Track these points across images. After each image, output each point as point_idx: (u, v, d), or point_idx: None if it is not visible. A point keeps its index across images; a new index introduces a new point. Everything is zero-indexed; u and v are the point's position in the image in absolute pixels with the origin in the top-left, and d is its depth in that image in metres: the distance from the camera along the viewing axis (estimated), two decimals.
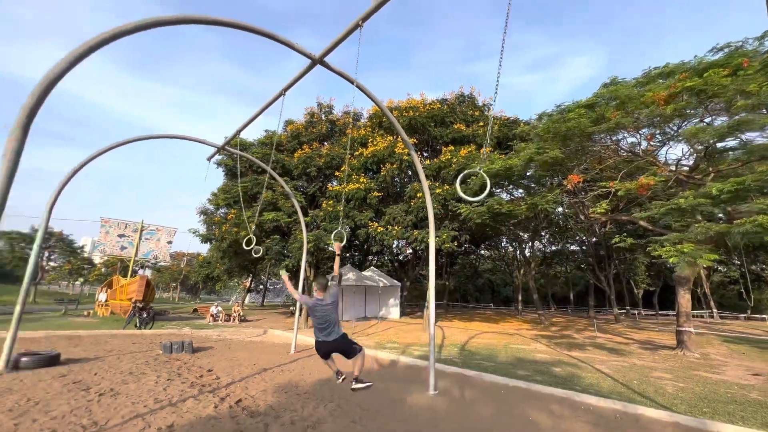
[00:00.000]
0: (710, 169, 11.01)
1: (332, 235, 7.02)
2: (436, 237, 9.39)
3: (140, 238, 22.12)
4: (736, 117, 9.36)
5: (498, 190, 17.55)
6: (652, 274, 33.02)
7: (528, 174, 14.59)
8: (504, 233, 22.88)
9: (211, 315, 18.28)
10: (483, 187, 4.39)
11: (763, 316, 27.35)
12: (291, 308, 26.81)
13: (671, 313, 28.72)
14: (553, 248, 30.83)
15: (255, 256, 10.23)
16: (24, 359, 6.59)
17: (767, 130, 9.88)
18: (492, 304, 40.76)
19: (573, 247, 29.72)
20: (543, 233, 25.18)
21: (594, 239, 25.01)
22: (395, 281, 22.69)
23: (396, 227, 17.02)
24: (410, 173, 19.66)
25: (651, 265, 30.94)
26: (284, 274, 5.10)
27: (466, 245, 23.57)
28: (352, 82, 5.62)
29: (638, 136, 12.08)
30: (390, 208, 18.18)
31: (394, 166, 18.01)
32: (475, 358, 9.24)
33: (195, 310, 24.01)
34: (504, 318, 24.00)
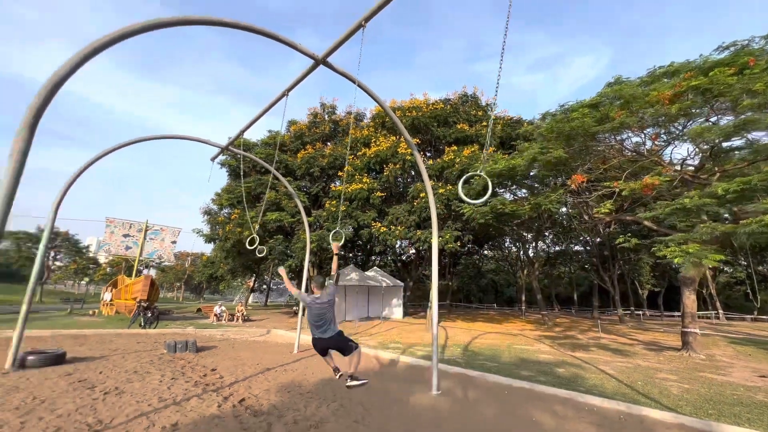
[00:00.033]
0: (716, 168, 10.90)
1: (330, 235, 7.11)
2: (439, 237, 9.37)
3: (145, 238, 22.24)
4: (742, 116, 9.26)
5: (501, 190, 17.49)
6: (657, 274, 32.80)
7: (531, 174, 14.53)
8: (507, 233, 22.79)
9: (215, 315, 18.35)
10: (485, 189, 4.38)
11: None
12: (294, 308, 26.86)
13: (676, 314, 28.50)
14: (557, 248, 30.69)
15: (258, 256, 10.28)
16: (30, 358, 6.65)
17: None
18: (495, 305, 40.65)
19: (577, 248, 29.58)
20: (547, 233, 25.07)
21: (598, 239, 24.87)
22: (398, 281, 22.68)
23: (399, 227, 17.02)
24: (413, 173, 19.65)
25: (656, 265, 30.73)
26: (282, 271, 5.21)
27: (470, 245, 23.54)
28: (354, 82, 5.63)
29: (643, 136, 11.99)
30: (393, 208, 18.18)
31: (397, 166, 18.02)
32: (478, 358, 9.22)
33: (199, 310, 24.12)
34: (507, 318, 23.93)
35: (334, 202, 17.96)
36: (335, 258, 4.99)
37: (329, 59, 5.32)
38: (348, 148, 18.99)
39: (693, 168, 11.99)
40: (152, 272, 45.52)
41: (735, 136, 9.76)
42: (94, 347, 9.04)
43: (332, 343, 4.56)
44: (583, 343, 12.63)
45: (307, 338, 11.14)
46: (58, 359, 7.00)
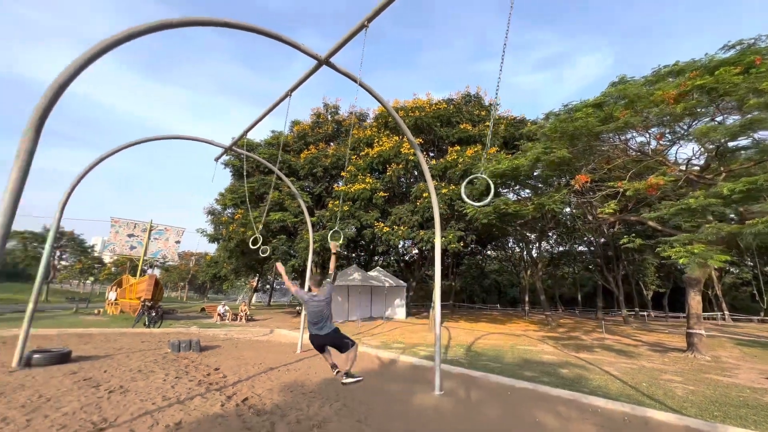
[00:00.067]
0: (722, 168, 10.81)
1: (329, 235, 7.18)
2: (442, 237, 9.36)
3: (149, 238, 22.40)
4: (749, 115, 9.19)
5: (505, 190, 17.44)
6: (662, 275, 32.56)
7: (535, 174, 14.47)
8: (511, 234, 22.72)
9: (219, 314, 18.43)
10: (488, 190, 4.38)
11: None
12: (297, 308, 26.94)
13: (681, 315, 28.27)
14: (561, 249, 30.55)
15: (262, 255, 10.31)
16: (36, 356, 6.70)
17: None
18: (498, 305, 40.51)
19: (581, 248, 29.43)
20: (550, 234, 24.97)
21: (602, 240, 24.73)
22: (401, 281, 22.67)
23: (402, 227, 17.01)
24: (416, 173, 19.63)
25: (661, 266, 30.51)
26: (280, 267, 5.32)
27: (473, 245, 23.51)
28: (356, 81, 5.63)
29: (647, 136, 11.92)
30: (396, 208, 18.17)
31: (400, 166, 18.00)
32: (481, 359, 9.20)
33: (203, 310, 24.24)
34: (511, 319, 23.84)
35: (337, 202, 17.98)
36: (333, 257, 5.17)
37: (332, 59, 5.33)
38: (348, 147, 18.98)
39: (698, 168, 11.89)
40: (156, 272, 45.77)
41: (741, 135, 9.67)
42: (99, 346, 9.11)
43: (328, 339, 4.72)
44: (587, 343, 12.57)
45: None
46: (64, 358, 7.06)
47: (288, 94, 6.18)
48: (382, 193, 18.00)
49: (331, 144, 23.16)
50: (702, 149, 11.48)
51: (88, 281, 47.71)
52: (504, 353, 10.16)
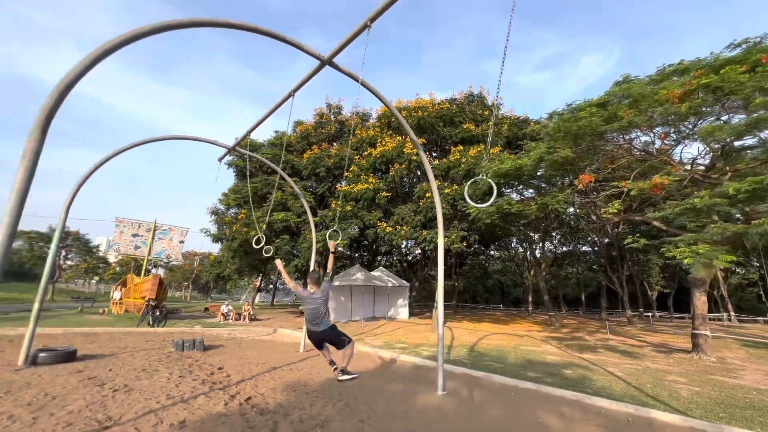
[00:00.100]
0: (727, 168, 10.72)
1: (327, 234, 7.25)
2: (444, 237, 9.34)
3: (153, 238, 22.51)
4: (755, 114, 9.10)
5: (508, 190, 17.39)
6: (667, 275, 32.31)
7: (538, 174, 14.42)
8: (514, 234, 22.66)
9: (222, 314, 18.50)
10: (490, 191, 4.37)
11: None
12: (300, 308, 26.98)
13: (687, 315, 28.07)
14: (564, 249, 30.41)
15: (265, 255, 10.35)
16: (42, 355, 6.76)
17: None
18: (502, 305, 40.40)
19: (584, 248, 29.26)
20: (554, 234, 24.86)
21: (606, 240, 24.59)
22: (404, 281, 22.66)
23: (405, 227, 17.01)
24: (419, 173, 19.63)
25: (665, 266, 30.26)
26: (280, 263, 5.40)
27: (476, 246, 23.42)
28: (357, 80, 5.63)
29: (652, 135, 11.84)
30: (399, 208, 18.18)
31: (403, 166, 18.01)
32: (484, 359, 9.17)
33: (206, 309, 24.33)
34: (514, 319, 23.77)
35: (340, 202, 18.02)
36: (331, 256, 5.35)
37: (335, 60, 5.34)
38: (348, 146, 19.01)
39: (703, 167, 11.80)
40: (161, 271, 46.07)
41: (747, 134, 9.59)
42: (104, 345, 9.18)
43: (325, 336, 4.90)
44: (590, 344, 12.51)
45: None
46: (69, 356, 7.11)
47: (291, 95, 6.20)
48: (384, 193, 18.01)
49: (334, 144, 23.20)
50: (707, 149, 11.39)
51: (93, 281, 48.11)
52: (507, 354, 10.13)
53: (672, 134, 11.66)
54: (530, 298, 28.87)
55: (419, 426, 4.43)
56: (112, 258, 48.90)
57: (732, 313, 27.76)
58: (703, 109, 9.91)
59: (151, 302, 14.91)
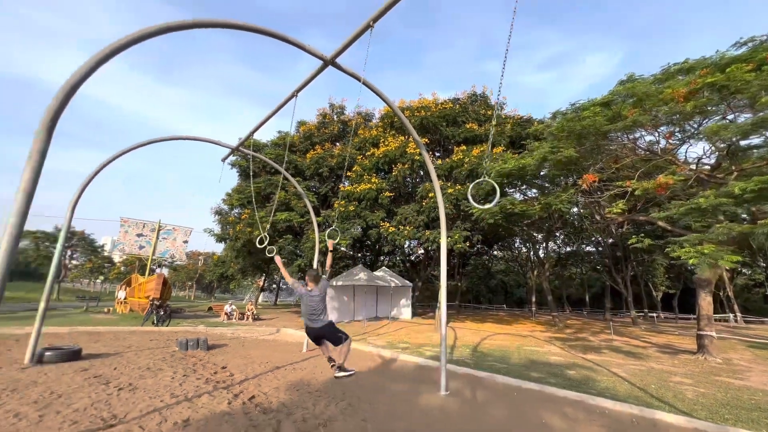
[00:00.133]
0: (733, 167, 10.62)
1: (326, 233, 7.30)
2: (447, 237, 9.33)
3: (157, 238, 22.64)
4: (761, 113, 9.02)
5: (511, 190, 17.34)
6: (672, 276, 32.11)
7: (542, 173, 14.36)
8: (517, 234, 22.57)
9: (226, 313, 18.57)
10: (494, 191, 4.37)
11: None
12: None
13: (692, 316, 27.84)
14: (568, 249, 30.28)
15: (268, 255, 10.39)
16: (48, 353, 6.82)
17: None
18: (505, 306, 40.28)
19: (588, 248, 29.13)
20: (557, 234, 24.76)
21: (610, 240, 24.45)
22: (407, 281, 22.64)
23: (407, 227, 17.00)
24: (422, 173, 19.61)
25: (670, 267, 30.08)
26: (278, 259, 5.45)
27: (479, 246, 23.38)
28: (359, 80, 5.63)
29: (656, 135, 11.75)
30: (401, 208, 18.18)
31: (406, 166, 18.01)
32: (487, 359, 9.15)
33: (210, 309, 24.44)
34: (517, 320, 23.69)
35: (343, 202, 18.04)
36: (330, 254, 5.52)
37: (338, 60, 5.34)
38: (349, 145, 19.01)
39: (709, 167, 11.70)
40: (165, 271, 46.31)
41: (753, 134, 9.50)
42: (108, 344, 9.25)
43: (322, 332, 5.09)
44: (594, 345, 12.44)
45: None
46: (75, 355, 7.17)
47: (294, 95, 6.21)
48: (387, 193, 18.01)
49: (337, 144, 23.24)
50: (713, 148, 11.30)
51: (98, 280, 48.45)
52: (510, 354, 10.10)
53: (677, 133, 11.57)
54: (534, 299, 28.79)
55: (422, 426, 4.43)
56: (116, 258, 49.21)
57: (738, 314, 27.51)
58: (709, 108, 9.82)
59: (155, 302, 15.00)
